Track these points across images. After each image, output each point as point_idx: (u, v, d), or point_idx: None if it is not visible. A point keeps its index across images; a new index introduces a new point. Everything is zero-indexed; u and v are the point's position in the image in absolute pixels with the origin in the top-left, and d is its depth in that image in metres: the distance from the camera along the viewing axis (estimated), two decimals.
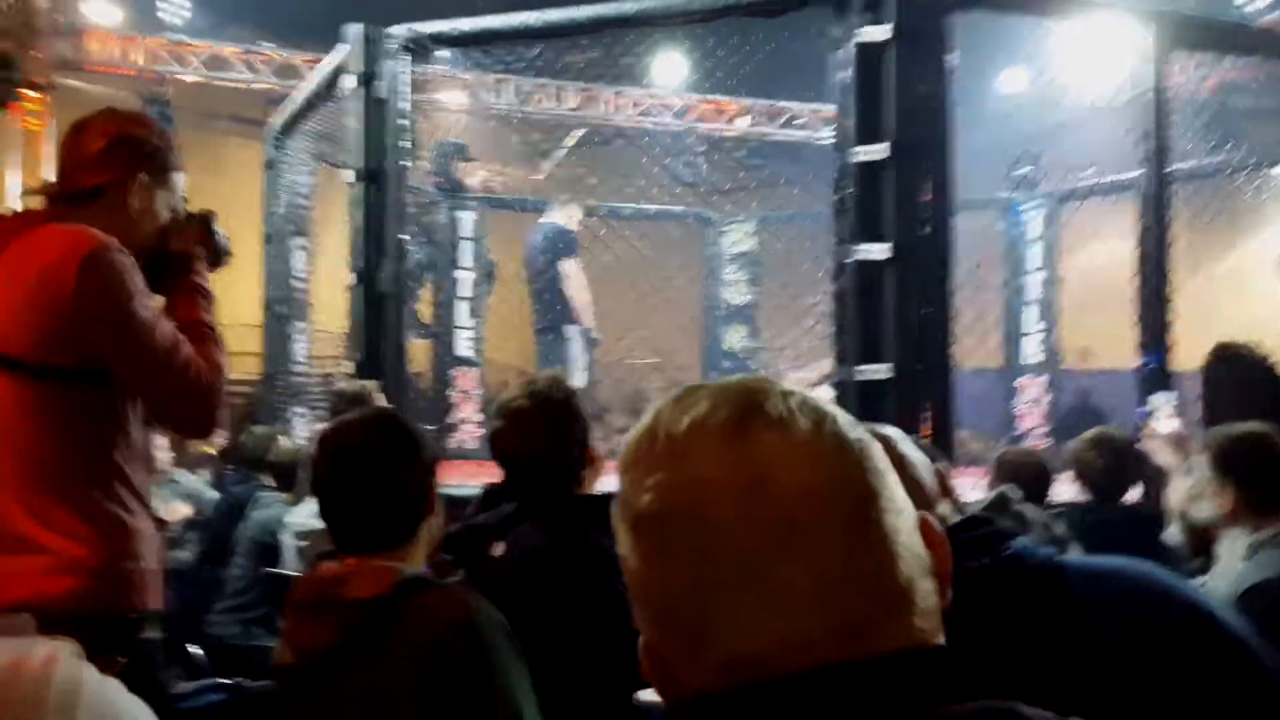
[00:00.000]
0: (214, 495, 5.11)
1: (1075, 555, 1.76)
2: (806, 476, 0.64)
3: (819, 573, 0.62)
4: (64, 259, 1.69)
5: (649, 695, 1.67)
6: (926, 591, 0.66)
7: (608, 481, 2.10)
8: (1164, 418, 3.84)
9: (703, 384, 0.70)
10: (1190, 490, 2.87)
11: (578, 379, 6.76)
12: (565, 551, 1.89)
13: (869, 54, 3.82)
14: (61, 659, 0.96)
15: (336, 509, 1.68)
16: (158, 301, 1.89)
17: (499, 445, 2.06)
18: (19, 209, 1.95)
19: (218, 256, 2.03)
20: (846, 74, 3.90)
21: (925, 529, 0.69)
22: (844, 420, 0.68)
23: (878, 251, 3.81)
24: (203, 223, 2.01)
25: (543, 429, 2.01)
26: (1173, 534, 3.11)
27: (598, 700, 1.82)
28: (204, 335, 1.88)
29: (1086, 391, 8.33)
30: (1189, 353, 4.42)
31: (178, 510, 4.78)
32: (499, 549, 1.93)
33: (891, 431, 1.46)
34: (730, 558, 0.63)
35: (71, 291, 1.67)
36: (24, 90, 9.61)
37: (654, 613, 0.66)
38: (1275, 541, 2.39)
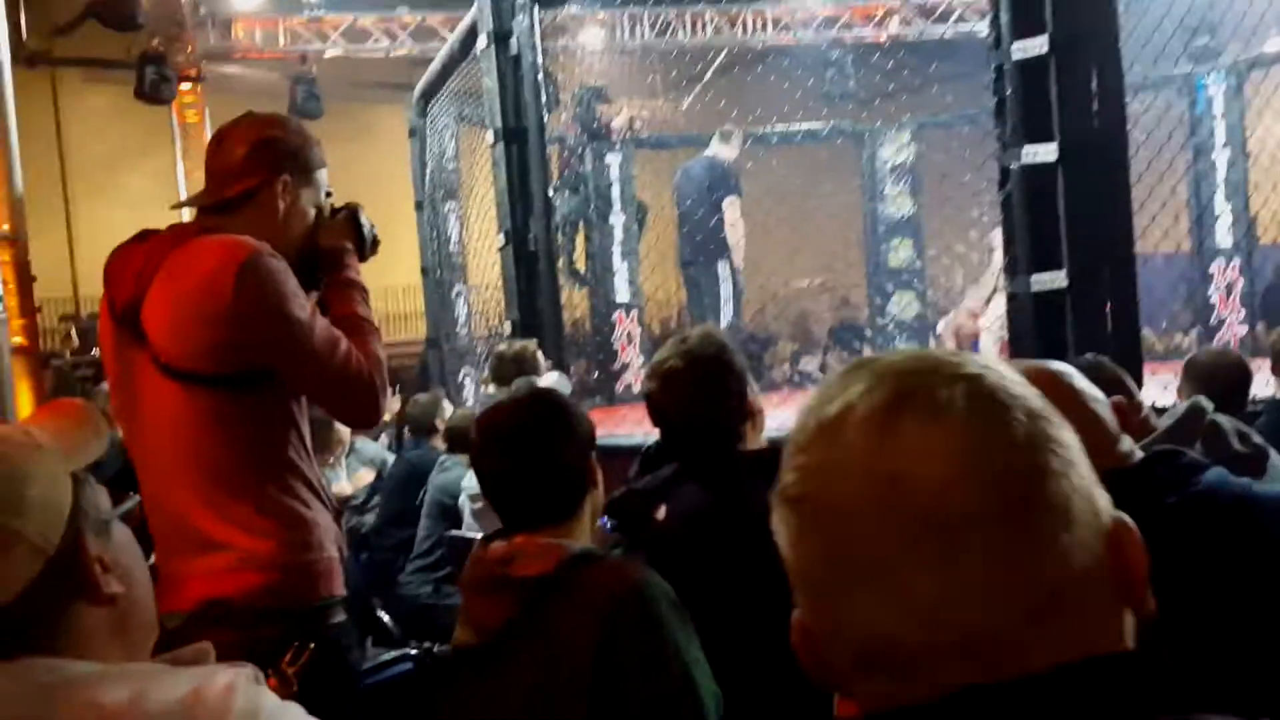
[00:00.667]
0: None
1: (1269, 485, 1.67)
2: (951, 474, 0.58)
3: (951, 580, 0.57)
4: (220, 270, 1.72)
5: None
6: (1099, 602, 0.59)
7: (771, 433, 2.06)
8: None
9: (872, 359, 0.66)
10: None
11: (725, 315, 6.71)
12: (729, 511, 1.85)
13: None
14: (240, 687, 0.98)
15: (499, 490, 1.70)
16: (312, 299, 1.93)
17: (655, 407, 2.04)
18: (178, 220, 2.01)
19: (367, 247, 2.05)
20: None
21: (1117, 538, 0.61)
22: (1026, 410, 0.61)
23: (1044, 153, 3.57)
24: (349, 216, 2.02)
25: (696, 387, 1.97)
26: None
27: (771, 663, 1.79)
28: (360, 328, 1.91)
29: None
30: None
31: (363, 478, 5.01)
32: (662, 512, 1.91)
33: (1061, 367, 1.40)
34: (857, 552, 0.60)
35: (230, 302, 1.71)
36: (179, 86, 10.08)
37: (799, 589, 0.65)
38: None
